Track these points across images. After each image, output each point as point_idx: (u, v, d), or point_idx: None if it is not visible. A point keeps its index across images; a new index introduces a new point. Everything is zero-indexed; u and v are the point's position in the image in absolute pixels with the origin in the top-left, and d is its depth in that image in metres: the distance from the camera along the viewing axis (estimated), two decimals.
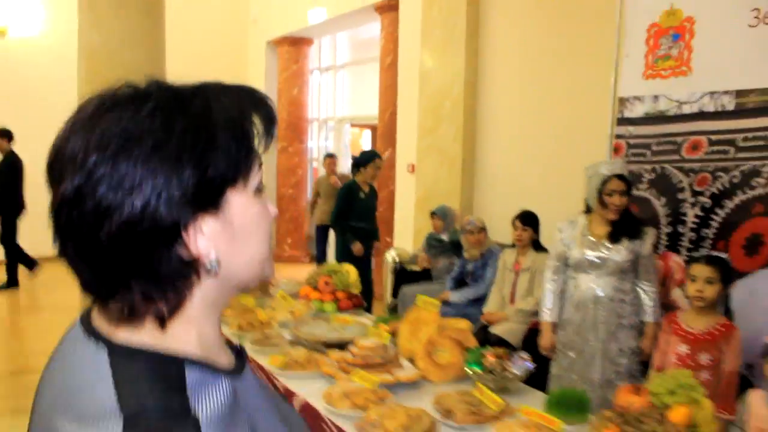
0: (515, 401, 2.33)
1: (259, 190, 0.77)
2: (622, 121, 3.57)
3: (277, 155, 9.23)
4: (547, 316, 3.33)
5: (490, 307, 4.31)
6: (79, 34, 4.69)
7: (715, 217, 3.18)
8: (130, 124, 0.68)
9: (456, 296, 4.69)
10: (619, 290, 3.13)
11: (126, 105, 0.70)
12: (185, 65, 8.69)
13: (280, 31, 8.88)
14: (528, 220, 4.03)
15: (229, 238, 0.74)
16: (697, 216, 3.25)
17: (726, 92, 3.11)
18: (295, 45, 8.90)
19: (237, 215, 0.75)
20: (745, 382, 2.81)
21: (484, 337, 3.98)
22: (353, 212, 5.14)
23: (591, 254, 3.15)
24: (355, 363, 2.64)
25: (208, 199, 0.71)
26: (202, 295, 0.74)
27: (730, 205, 3.12)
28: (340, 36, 8.86)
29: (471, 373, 2.56)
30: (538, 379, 2.86)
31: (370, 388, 2.30)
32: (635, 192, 3.56)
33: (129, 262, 0.69)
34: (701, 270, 2.77)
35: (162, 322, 0.73)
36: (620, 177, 3.04)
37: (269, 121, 0.76)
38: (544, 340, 3.34)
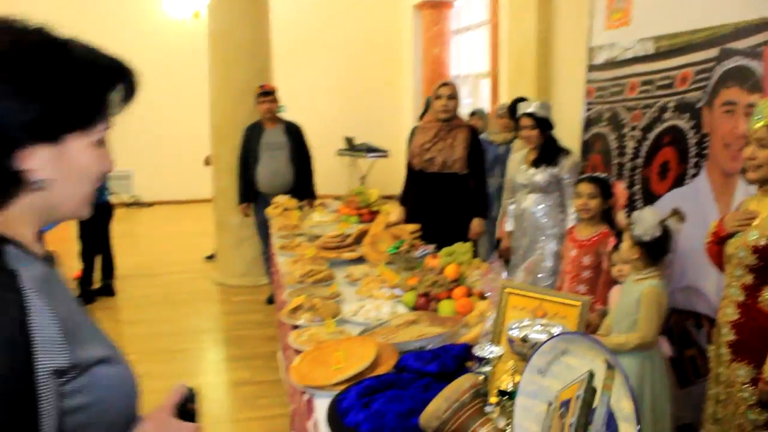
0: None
1: (100, 142, 0.97)
2: (591, 67, 4.11)
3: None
4: (506, 226, 4.14)
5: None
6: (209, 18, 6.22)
7: (642, 148, 3.68)
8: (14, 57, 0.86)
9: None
10: (541, 206, 3.83)
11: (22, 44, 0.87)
12: (344, 30, 10.24)
13: None
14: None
15: (61, 169, 0.92)
16: (633, 148, 3.76)
17: (649, 38, 3.57)
18: (435, 8, 9.78)
19: (73, 155, 0.93)
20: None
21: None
22: None
23: (521, 177, 3.89)
24: (318, 245, 3.70)
25: (45, 133, 0.89)
26: (28, 202, 0.92)
27: (651, 137, 3.60)
28: None
29: (388, 254, 3.49)
30: None
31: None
32: (599, 129, 4.11)
33: None
34: (585, 187, 3.38)
35: None
36: (529, 115, 3.73)
37: (130, 91, 0.97)
38: (502, 245, 4.15)
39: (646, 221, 2.71)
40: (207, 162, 7.04)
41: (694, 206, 3.22)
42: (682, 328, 3.27)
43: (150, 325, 4.84)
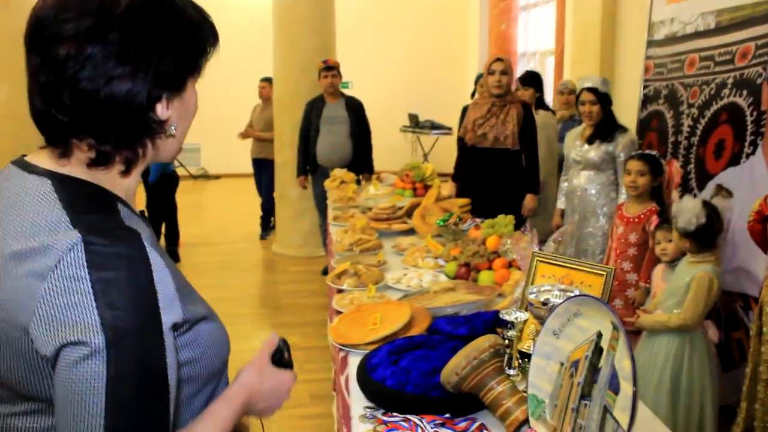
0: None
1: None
2: (651, 43, 4.03)
3: None
4: (559, 203, 4.14)
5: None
6: None
7: (699, 126, 3.60)
8: (138, 26, 0.88)
9: None
10: (593, 183, 3.80)
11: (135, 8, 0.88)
12: (410, 6, 10.27)
13: None
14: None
15: (181, 113, 0.97)
16: (689, 126, 3.69)
17: (711, 12, 3.48)
18: None
19: (188, 98, 0.98)
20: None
21: None
22: None
23: (574, 153, 3.87)
24: (369, 216, 3.79)
25: (176, 83, 0.94)
26: (149, 154, 0.96)
27: (708, 114, 3.52)
28: None
29: (437, 226, 3.55)
30: None
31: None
32: (656, 107, 4.04)
33: (117, 118, 0.87)
34: (634, 164, 3.35)
35: (129, 166, 0.93)
36: (589, 89, 3.69)
37: (216, 41, 1.00)
38: (553, 221, 4.15)
39: (687, 211, 2.69)
40: (244, 135, 7.29)
41: (748, 185, 3.15)
42: (730, 309, 3.22)
43: (209, 290, 4.93)
